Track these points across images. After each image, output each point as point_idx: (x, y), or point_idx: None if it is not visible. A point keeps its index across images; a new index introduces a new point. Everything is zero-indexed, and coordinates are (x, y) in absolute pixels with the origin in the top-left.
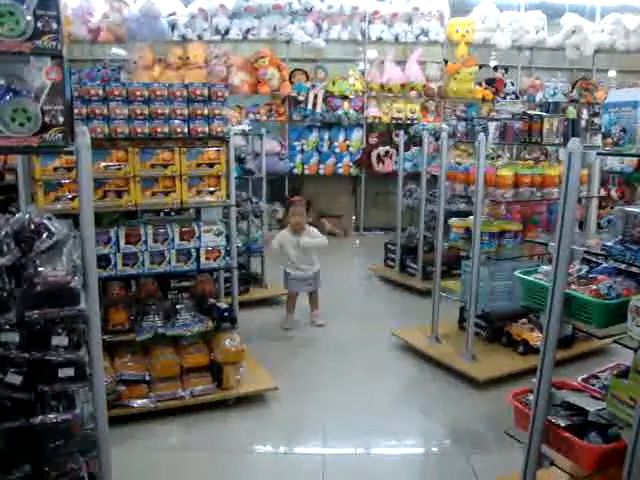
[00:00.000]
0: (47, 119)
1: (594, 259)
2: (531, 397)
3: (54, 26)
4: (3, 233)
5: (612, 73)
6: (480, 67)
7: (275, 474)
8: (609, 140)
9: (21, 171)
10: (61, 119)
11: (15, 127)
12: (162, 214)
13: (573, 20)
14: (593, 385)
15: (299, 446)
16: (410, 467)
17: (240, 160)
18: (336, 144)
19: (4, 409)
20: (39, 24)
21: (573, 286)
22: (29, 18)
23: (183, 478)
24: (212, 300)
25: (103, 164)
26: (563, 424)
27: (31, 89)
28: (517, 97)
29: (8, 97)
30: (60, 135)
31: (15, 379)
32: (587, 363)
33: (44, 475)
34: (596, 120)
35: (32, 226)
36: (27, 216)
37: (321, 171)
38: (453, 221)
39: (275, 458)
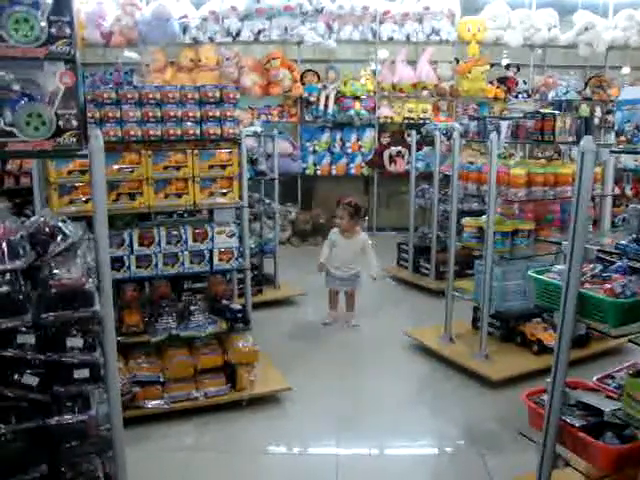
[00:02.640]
0: (61, 123)
1: (608, 258)
2: (545, 397)
3: (67, 31)
4: (19, 236)
5: (626, 70)
6: (492, 66)
7: (289, 475)
8: (623, 138)
9: (36, 174)
10: (75, 123)
11: (30, 131)
12: (175, 216)
13: (585, 17)
14: (608, 385)
15: (313, 447)
16: (424, 467)
17: (252, 161)
18: (348, 144)
19: (21, 410)
20: (53, 29)
21: (587, 285)
22: (43, 24)
23: (197, 479)
24: (225, 301)
25: (116, 167)
26: (578, 424)
27: (45, 94)
28: (529, 95)
29: (23, 102)
30: (74, 139)
31: (31, 380)
32: (602, 363)
33: (60, 475)
34: (609, 118)
35: (47, 229)
36: (42, 219)
37: (333, 171)
38: (466, 221)
39: (289, 459)
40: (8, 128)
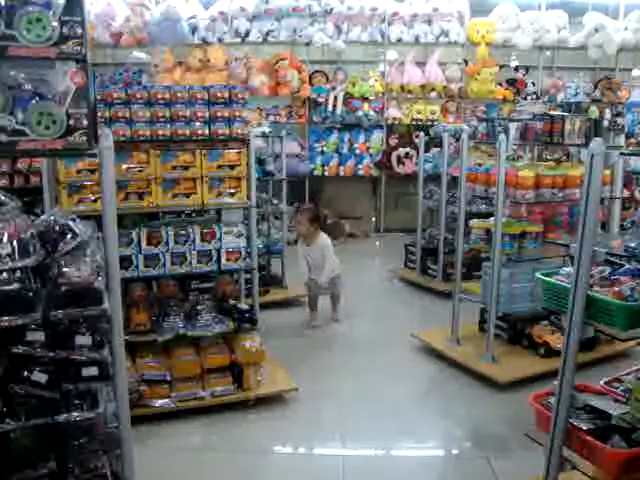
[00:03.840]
0: (71, 122)
1: (617, 260)
2: (552, 400)
3: (79, 31)
4: (29, 234)
5: (636, 72)
6: (501, 67)
7: (294, 475)
8: (633, 140)
9: (46, 173)
10: (85, 122)
11: (41, 130)
12: (183, 215)
13: (595, 18)
14: (616, 388)
15: (318, 447)
16: (430, 469)
17: (260, 162)
18: (356, 145)
19: (30, 407)
20: (64, 30)
21: (595, 288)
22: (55, 24)
23: (203, 478)
24: (233, 301)
25: (125, 166)
26: (585, 428)
27: (56, 93)
28: (538, 97)
29: (34, 101)
30: (84, 138)
31: (41, 377)
32: (610, 366)
33: (68, 472)
34: (619, 120)
35: (57, 227)
36: (52, 218)
37: (341, 172)
38: (474, 222)
39: (294, 459)
40: (19, 127)
